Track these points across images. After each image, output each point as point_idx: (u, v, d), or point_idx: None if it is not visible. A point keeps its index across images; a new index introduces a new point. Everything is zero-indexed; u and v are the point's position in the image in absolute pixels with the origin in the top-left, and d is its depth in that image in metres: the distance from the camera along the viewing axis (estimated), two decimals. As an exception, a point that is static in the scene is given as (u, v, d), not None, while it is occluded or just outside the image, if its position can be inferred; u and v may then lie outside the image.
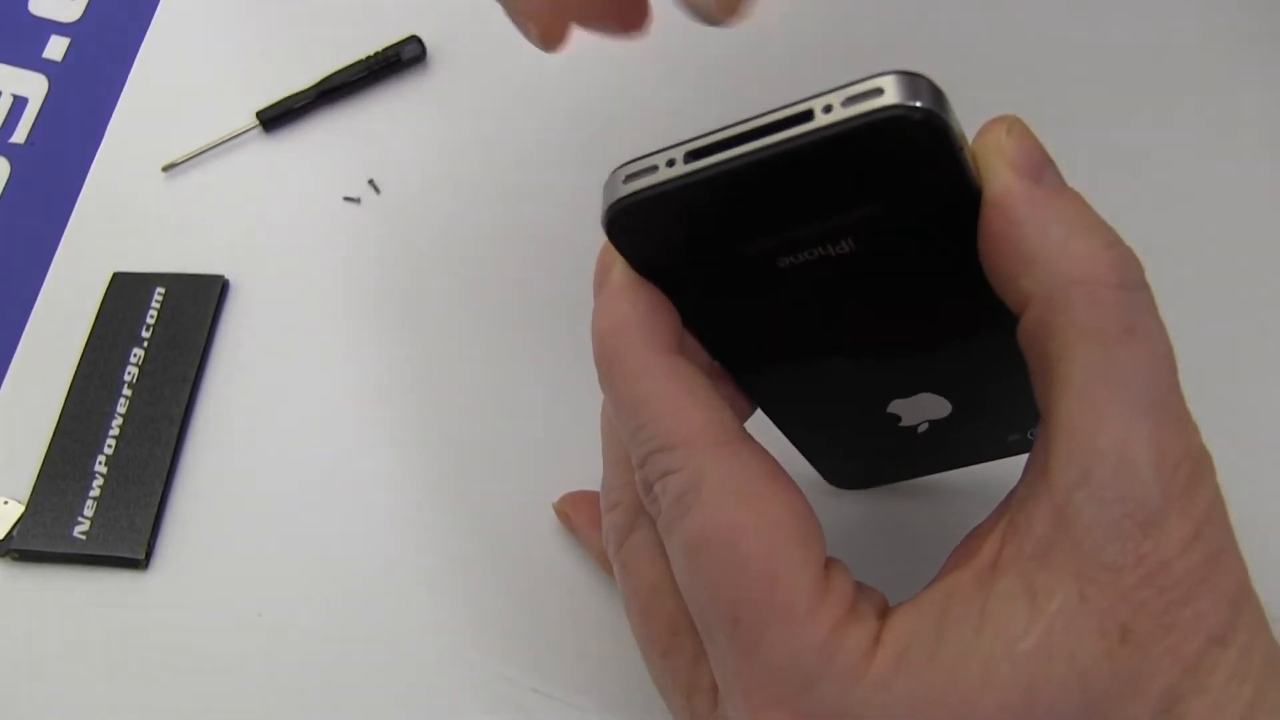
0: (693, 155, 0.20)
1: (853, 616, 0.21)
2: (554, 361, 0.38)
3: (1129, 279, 0.20)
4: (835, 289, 0.22)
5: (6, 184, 0.44)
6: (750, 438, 0.23)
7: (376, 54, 0.44)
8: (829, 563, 0.22)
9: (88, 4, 0.48)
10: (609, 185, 0.21)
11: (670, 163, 0.20)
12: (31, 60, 0.47)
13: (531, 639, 0.34)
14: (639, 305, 0.22)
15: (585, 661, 0.33)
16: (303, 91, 0.44)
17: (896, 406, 0.27)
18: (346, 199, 0.42)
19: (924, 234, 0.21)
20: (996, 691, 0.19)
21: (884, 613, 0.21)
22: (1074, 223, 0.20)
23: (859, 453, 0.31)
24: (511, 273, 0.40)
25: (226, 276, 0.41)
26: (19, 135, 0.45)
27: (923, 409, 0.27)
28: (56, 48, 0.47)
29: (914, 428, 0.28)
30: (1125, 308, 0.20)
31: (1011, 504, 0.21)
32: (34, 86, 0.46)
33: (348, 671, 0.34)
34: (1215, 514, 0.20)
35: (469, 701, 0.33)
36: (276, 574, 0.35)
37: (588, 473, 0.36)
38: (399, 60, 0.45)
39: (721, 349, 0.25)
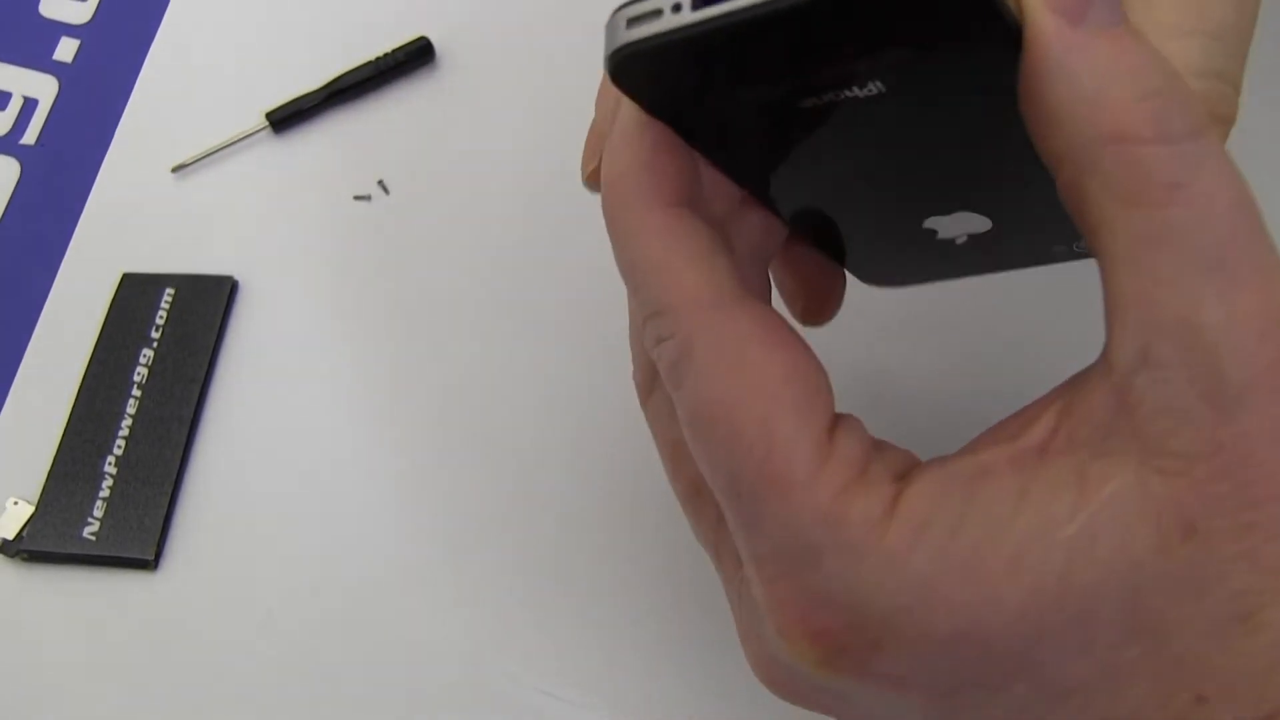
0: (700, 0, 0.18)
1: (862, 482, 0.19)
2: (566, 361, 0.38)
3: (1171, 130, 0.17)
4: (863, 127, 0.20)
5: (17, 185, 0.44)
6: (749, 296, 0.20)
7: (386, 55, 0.44)
8: (837, 422, 0.20)
9: (98, 6, 0.48)
10: (610, 28, 0.19)
11: (676, 7, 0.18)
12: (42, 62, 0.47)
13: (541, 639, 0.34)
14: (641, 154, 0.21)
15: (594, 662, 0.33)
16: (312, 92, 0.44)
17: (933, 222, 0.25)
18: (356, 198, 0.42)
19: (960, 78, 0.19)
20: (1027, 576, 0.17)
21: (905, 476, 0.19)
22: (1111, 70, 0.17)
23: (891, 259, 0.29)
24: (523, 273, 0.40)
25: (236, 277, 0.41)
26: (29, 136, 0.45)
27: (961, 224, 0.25)
28: (67, 49, 0.47)
29: (951, 240, 0.26)
30: (1166, 163, 0.17)
31: (1071, 386, 0.19)
32: (44, 88, 0.46)
33: (356, 671, 0.34)
34: None
35: (478, 702, 0.33)
36: (286, 574, 0.35)
37: (601, 473, 0.36)
38: (408, 61, 0.45)
39: (745, 177, 0.23)
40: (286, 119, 0.44)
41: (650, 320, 0.21)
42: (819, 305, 0.29)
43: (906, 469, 0.20)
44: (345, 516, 0.36)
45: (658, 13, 0.18)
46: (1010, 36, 0.18)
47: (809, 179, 0.23)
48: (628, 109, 0.21)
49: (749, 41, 0.18)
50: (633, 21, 0.19)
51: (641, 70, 0.20)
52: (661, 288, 0.20)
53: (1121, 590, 0.17)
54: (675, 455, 0.23)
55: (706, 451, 0.20)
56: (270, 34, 0.47)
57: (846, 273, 0.30)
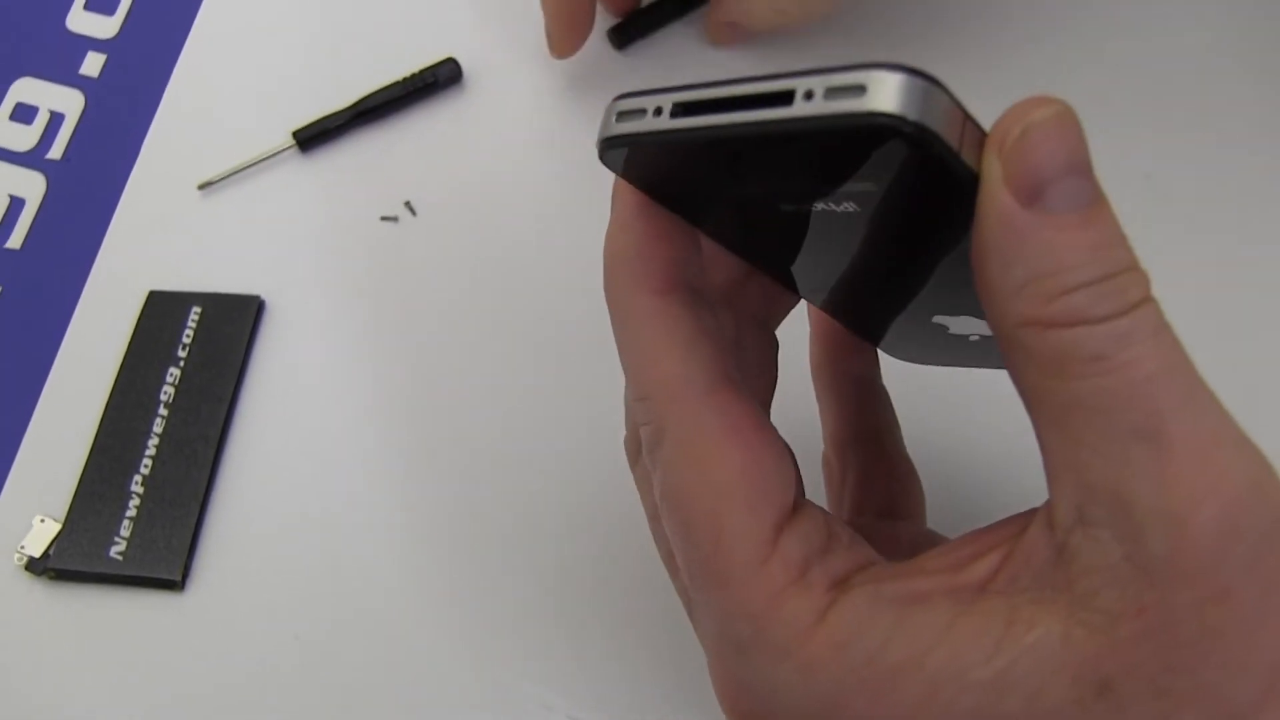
0: (681, 109, 0.19)
1: (799, 585, 0.19)
2: (594, 383, 0.38)
3: (1097, 315, 0.17)
4: (847, 234, 0.21)
5: (43, 200, 0.44)
6: (725, 386, 0.21)
7: (413, 75, 0.45)
8: (791, 519, 0.20)
9: (124, 21, 0.48)
10: (605, 116, 0.21)
11: (658, 111, 0.20)
12: (68, 76, 0.47)
13: (572, 665, 0.34)
14: (633, 240, 0.22)
15: (624, 688, 0.33)
16: (339, 112, 0.44)
17: (941, 320, 0.26)
18: (383, 219, 0.42)
19: (930, 209, 0.19)
20: (936, 712, 0.18)
21: (845, 583, 0.20)
22: (1048, 260, 0.17)
23: (915, 342, 0.29)
24: (549, 294, 0.40)
25: (262, 296, 0.41)
26: (55, 151, 0.45)
27: (970, 325, 0.25)
28: (93, 64, 0.47)
29: (964, 337, 0.26)
30: (1086, 343, 0.17)
31: (1020, 526, 0.19)
32: (71, 103, 0.46)
33: (384, 695, 0.34)
34: (1265, 565, 0.17)
35: (506, 729, 0.33)
36: (313, 596, 0.35)
37: (632, 497, 0.36)
38: (435, 82, 0.45)
39: (744, 255, 0.25)
40: (313, 138, 0.44)
41: (635, 403, 0.22)
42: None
43: (849, 574, 0.20)
44: (373, 537, 0.36)
45: (641, 112, 0.20)
46: (967, 189, 0.18)
47: (805, 269, 0.24)
48: (624, 193, 0.22)
49: (719, 154, 0.19)
50: (622, 116, 0.20)
51: (627, 159, 0.21)
52: (642, 373, 0.21)
53: None
54: (655, 520, 0.25)
55: (669, 531, 0.21)
56: (297, 52, 0.47)
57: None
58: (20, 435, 0.39)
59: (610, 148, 0.21)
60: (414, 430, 0.38)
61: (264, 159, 0.44)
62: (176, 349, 0.40)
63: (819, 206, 0.20)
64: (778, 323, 0.27)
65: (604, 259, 0.22)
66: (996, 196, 0.17)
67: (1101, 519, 0.17)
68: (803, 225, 0.21)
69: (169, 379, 0.39)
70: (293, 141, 0.44)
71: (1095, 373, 0.17)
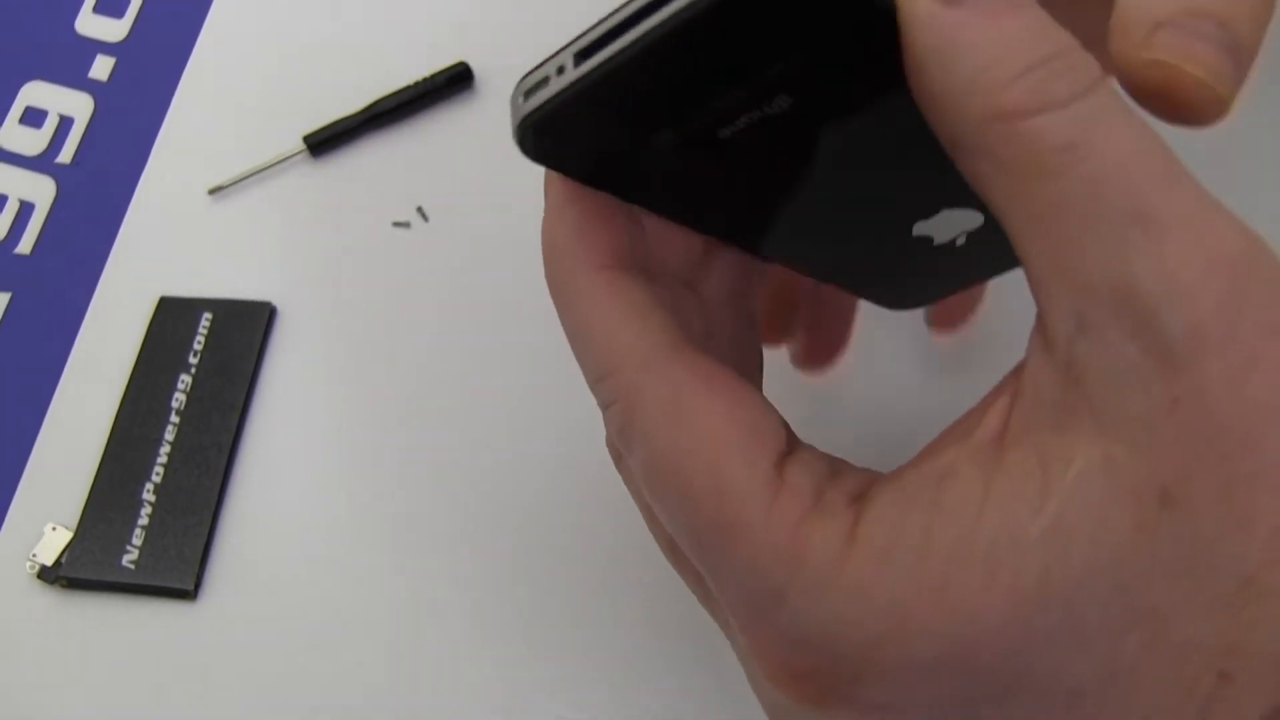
0: (581, 55, 0.18)
1: (817, 512, 0.18)
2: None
3: (1055, 97, 0.16)
4: (794, 144, 0.20)
5: (53, 205, 0.44)
6: (685, 347, 0.20)
7: (424, 80, 0.44)
8: (788, 454, 0.19)
9: (134, 24, 0.48)
10: (512, 101, 0.20)
11: (560, 69, 0.18)
12: (78, 80, 0.47)
13: (592, 680, 0.34)
14: (569, 224, 0.21)
15: (648, 703, 0.33)
16: (350, 116, 0.44)
17: (921, 228, 0.24)
18: (396, 225, 0.42)
19: (863, 74, 0.18)
20: (1004, 586, 0.16)
21: (864, 496, 0.18)
22: (986, 50, 0.16)
23: (903, 278, 0.28)
24: (560, 303, 0.40)
25: (274, 303, 0.41)
26: (65, 155, 0.45)
27: (951, 224, 0.24)
28: (103, 67, 0.47)
29: (951, 243, 0.25)
30: (1053, 130, 0.16)
31: (1017, 370, 0.18)
32: (80, 106, 0.46)
33: (400, 708, 0.34)
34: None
35: (521, 741, 0.33)
36: (327, 606, 0.35)
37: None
38: (447, 86, 0.44)
39: (696, 222, 0.23)
40: (325, 142, 0.44)
41: (594, 386, 0.21)
42: (821, 350, 0.28)
43: (864, 488, 0.19)
44: (386, 546, 0.36)
45: (545, 81, 0.19)
46: (887, 23, 0.17)
47: (764, 212, 0.23)
48: (554, 181, 0.21)
49: (635, 83, 0.18)
50: (528, 94, 0.19)
51: (548, 138, 0.20)
52: (598, 351, 0.20)
53: (1106, 580, 0.16)
54: (650, 515, 0.23)
55: (664, 509, 0.20)
56: (308, 55, 0.46)
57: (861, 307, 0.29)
58: (31, 442, 0.39)
59: (527, 133, 0.19)
60: (427, 437, 0.38)
61: (275, 163, 0.44)
62: (188, 355, 0.40)
63: (753, 116, 0.19)
64: (752, 300, 0.25)
65: (542, 251, 0.21)
66: (918, 3, 0.16)
67: (1106, 319, 0.16)
68: (746, 152, 0.20)
69: (180, 386, 0.39)
70: (304, 146, 0.44)
71: (1073, 162, 0.16)
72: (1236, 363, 0.15)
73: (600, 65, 0.18)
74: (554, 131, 0.19)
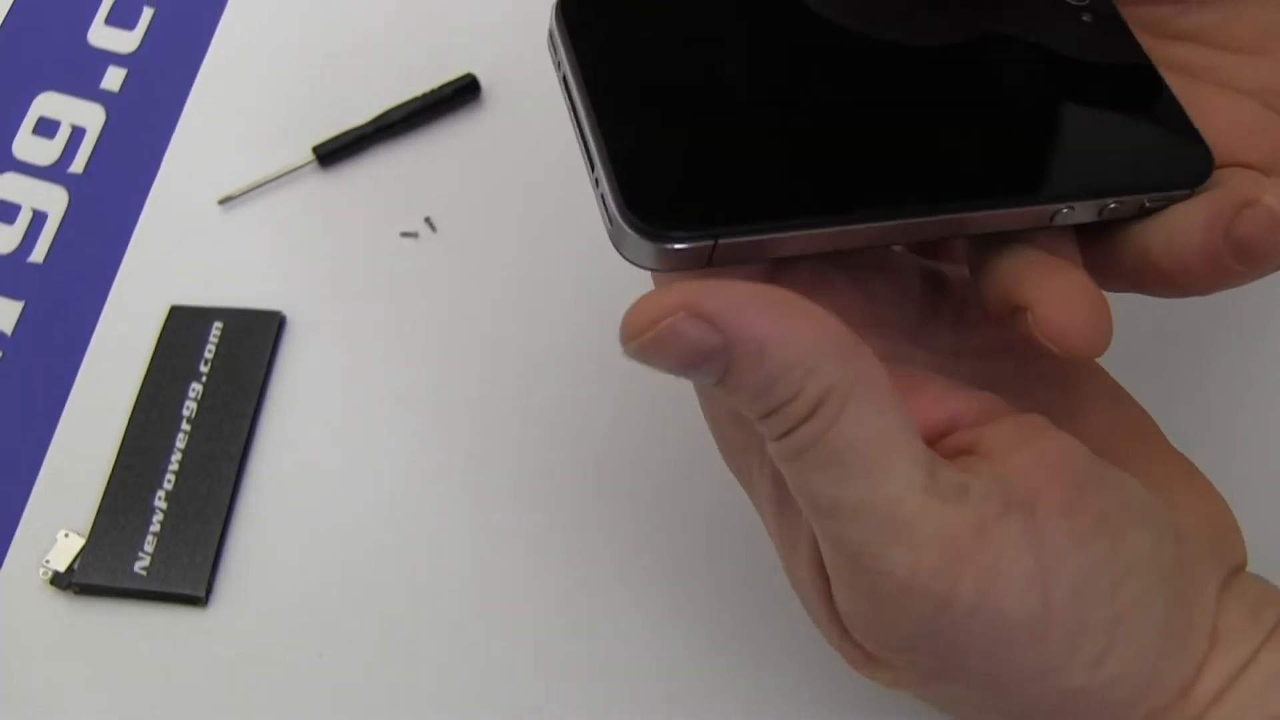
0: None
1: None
2: (620, 397, 0.38)
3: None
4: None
5: (66, 213, 0.44)
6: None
7: (432, 91, 0.45)
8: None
9: (145, 36, 0.48)
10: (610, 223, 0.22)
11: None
12: (89, 90, 0.47)
13: (606, 690, 0.34)
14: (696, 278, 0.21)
15: (658, 705, 0.34)
16: (359, 127, 0.44)
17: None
18: (404, 235, 0.43)
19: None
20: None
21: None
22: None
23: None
24: (570, 310, 0.41)
25: (283, 312, 0.41)
26: (77, 165, 0.45)
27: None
28: (114, 78, 0.47)
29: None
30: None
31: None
32: (92, 117, 0.46)
33: (411, 711, 0.34)
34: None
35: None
36: (338, 614, 0.36)
37: (663, 504, 0.37)
38: (454, 97, 0.45)
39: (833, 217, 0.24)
40: (334, 153, 0.44)
41: (798, 373, 0.21)
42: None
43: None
44: (397, 553, 0.37)
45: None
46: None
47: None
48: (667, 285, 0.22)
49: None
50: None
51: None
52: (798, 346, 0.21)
53: None
54: (776, 506, 0.26)
55: (829, 494, 0.22)
56: (318, 67, 0.47)
57: None
58: (44, 449, 0.39)
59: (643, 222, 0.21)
60: (436, 446, 0.38)
61: (284, 174, 0.44)
62: (199, 364, 0.40)
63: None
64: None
65: (703, 309, 0.21)
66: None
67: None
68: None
69: (191, 394, 0.40)
70: (313, 157, 0.44)
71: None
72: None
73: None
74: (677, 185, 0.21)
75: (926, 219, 0.23)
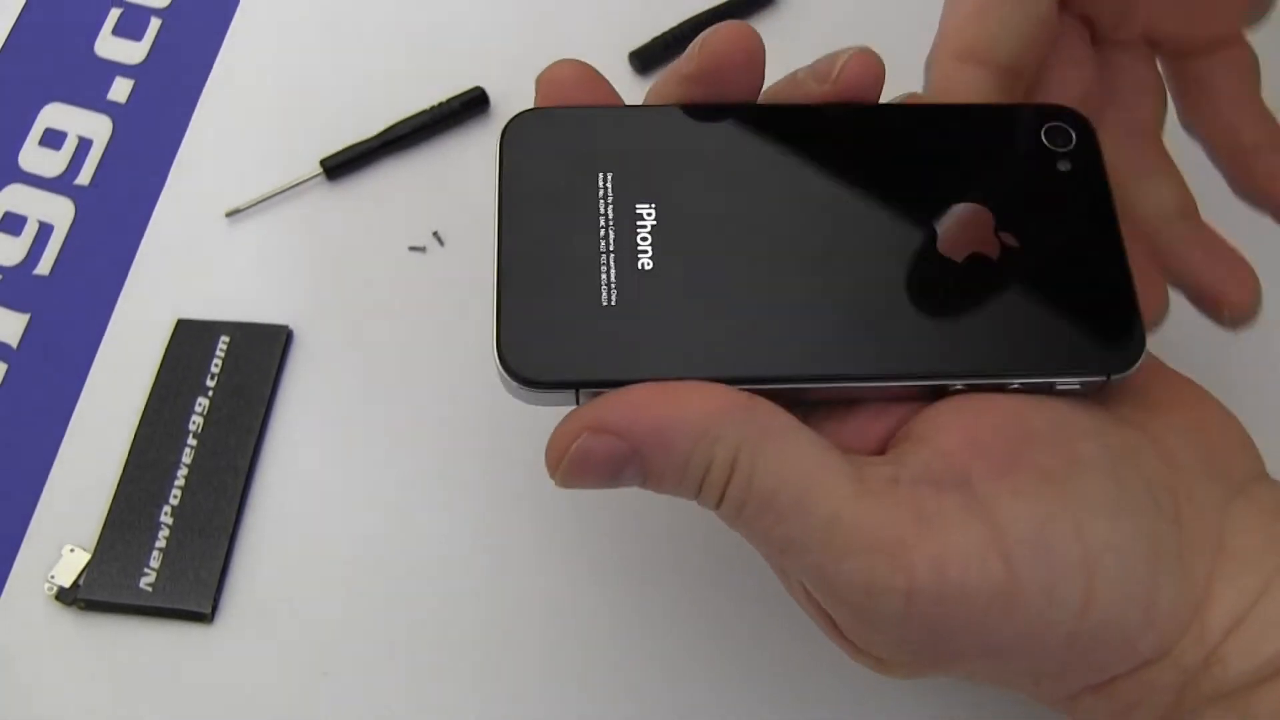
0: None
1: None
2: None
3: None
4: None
5: (72, 225, 0.44)
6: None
7: (440, 104, 0.45)
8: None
9: (152, 47, 0.48)
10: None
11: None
12: (96, 102, 0.47)
13: (615, 710, 0.34)
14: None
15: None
16: (367, 140, 0.44)
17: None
18: (412, 249, 0.43)
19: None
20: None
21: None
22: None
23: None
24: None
25: (290, 325, 0.41)
26: (84, 177, 0.45)
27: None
28: (121, 89, 0.47)
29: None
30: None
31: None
32: (99, 128, 0.46)
33: (414, 733, 0.34)
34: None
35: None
36: (343, 633, 0.35)
37: (676, 518, 0.36)
38: (462, 111, 0.45)
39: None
40: (341, 166, 0.44)
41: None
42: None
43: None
44: (403, 569, 0.36)
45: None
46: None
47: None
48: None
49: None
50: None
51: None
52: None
53: None
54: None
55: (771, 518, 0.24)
56: (325, 80, 0.47)
57: None
58: (49, 463, 0.39)
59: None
60: (444, 461, 0.38)
61: (292, 187, 0.44)
62: (205, 378, 0.40)
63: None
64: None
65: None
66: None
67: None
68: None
69: (197, 409, 0.39)
70: (320, 170, 0.44)
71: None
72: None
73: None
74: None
75: (761, 385, 0.24)
